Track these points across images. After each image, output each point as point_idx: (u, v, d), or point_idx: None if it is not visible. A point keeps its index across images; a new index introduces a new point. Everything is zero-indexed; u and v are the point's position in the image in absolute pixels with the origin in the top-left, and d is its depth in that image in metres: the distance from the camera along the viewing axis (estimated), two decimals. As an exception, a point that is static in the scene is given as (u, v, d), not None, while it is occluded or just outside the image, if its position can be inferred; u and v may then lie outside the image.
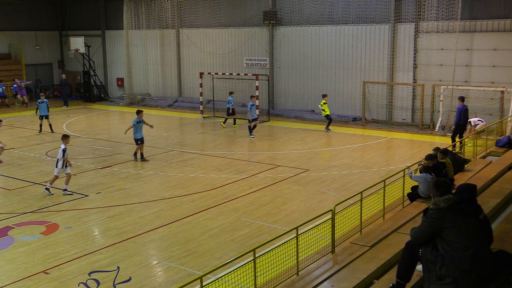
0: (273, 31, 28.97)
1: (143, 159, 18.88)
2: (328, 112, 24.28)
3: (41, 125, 24.49)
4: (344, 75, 27.06)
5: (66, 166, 15.05)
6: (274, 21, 28.50)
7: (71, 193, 15.09)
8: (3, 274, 10.22)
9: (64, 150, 14.95)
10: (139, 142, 18.71)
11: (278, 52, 29.10)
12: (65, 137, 15.39)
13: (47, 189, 15.05)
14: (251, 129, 23.16)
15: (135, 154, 18.99)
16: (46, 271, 10.28)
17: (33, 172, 17.58)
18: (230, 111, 24.87)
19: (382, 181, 10.96)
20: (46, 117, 24.36)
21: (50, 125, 24.38)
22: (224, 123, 25.30)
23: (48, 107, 24.61)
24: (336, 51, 27.10)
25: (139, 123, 18.67)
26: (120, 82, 36.43)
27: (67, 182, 15.18)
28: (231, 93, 25.39)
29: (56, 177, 15.09)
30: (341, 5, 26.51)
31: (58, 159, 15.00)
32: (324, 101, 24.21)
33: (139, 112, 18.98)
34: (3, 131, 25.33)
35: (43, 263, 10.67)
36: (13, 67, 36.04)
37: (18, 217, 13.38)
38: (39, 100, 24.97)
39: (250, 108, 23.00)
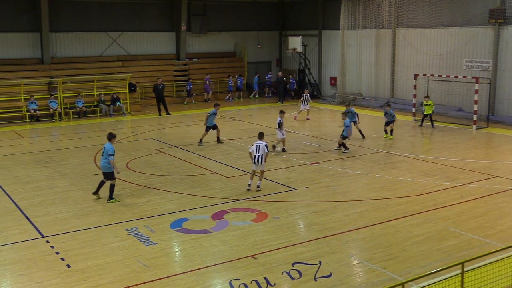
0: (500, 31, 26.75)
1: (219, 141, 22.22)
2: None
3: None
4: None
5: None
6: (502, 20, 26.30)
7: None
8: (218, 253, 11.18)
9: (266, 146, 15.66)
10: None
11: (504, 53, 26.78)
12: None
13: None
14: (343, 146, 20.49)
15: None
16: (254, 256, 10.97)
17: (249, 163, 18.79)
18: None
19: None
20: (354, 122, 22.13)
21: (359, 131, 22.81)
22: (390, 134, 23.11)
23: (355, 115, 22.47)
24: None
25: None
26: (333, 81, 37.09)
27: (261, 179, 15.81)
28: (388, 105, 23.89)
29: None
30: None
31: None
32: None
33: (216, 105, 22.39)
34: (225, 123, 27.61)
35: (252, 248, 11.40)
36: (237, 64, 39.16)
37: (233, 203, 14.50)
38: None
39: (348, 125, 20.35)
